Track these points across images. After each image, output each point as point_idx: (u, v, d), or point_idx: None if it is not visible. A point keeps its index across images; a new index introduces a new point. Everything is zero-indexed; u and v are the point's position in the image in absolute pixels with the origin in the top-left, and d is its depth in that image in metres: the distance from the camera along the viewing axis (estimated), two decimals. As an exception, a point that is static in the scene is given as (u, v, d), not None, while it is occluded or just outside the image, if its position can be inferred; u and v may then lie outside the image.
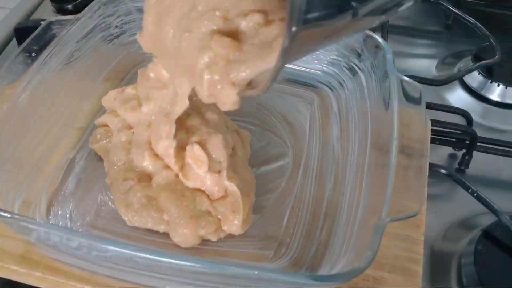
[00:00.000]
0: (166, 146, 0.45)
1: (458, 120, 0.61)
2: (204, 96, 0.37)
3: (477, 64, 0.67)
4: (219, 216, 0.44)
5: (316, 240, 0.44)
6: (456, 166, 0.59)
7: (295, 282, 0.33)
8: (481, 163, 0.58)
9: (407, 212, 0.37)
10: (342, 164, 0.49)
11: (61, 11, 0.74)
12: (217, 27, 0.35)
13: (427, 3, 0.80)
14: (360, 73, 0.52)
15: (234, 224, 0.43)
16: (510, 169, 0.58)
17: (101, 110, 0.54)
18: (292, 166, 0.51)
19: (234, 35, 0.35)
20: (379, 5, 0.31)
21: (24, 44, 0.48)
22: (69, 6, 0.73)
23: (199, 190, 0.45)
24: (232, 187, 0.44)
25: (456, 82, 0.69)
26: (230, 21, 0.35)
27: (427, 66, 0.74)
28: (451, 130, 0.59)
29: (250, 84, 0.36)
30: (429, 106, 0.60)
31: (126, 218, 0.44)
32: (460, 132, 0.59)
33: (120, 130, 0.49)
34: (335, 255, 0.40)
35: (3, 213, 0.36)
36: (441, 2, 0.76)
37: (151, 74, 0.47)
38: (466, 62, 0.72)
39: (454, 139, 0.60)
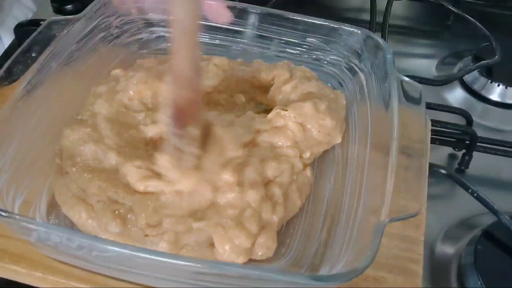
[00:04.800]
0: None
1: (458, 120, 0.61)
2: None
3: (477, 64, 0.67)
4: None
5: (316, 240, 0.44)
6: (456, 166, 0.59)
7: (295, 282, 0.33)
8: (481, 163, 0.58)
9: (407, 212, 0.37)
10: (342, 164, 0.49)
11: (61, 11, 0.74)
12: None
13: (427, 3, 0.80)
14: (360, 73, 0.52)
15: (267, 255, 0.42)
16: (510, 169, 0.58)
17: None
18: (292, 166, 0.51)
19: None
20: None
21: (24, 44, 0.48)
22: (69, 6, 0.73)
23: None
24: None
25: (456, 82, 0.69)
26: None
27: (427, 66, 0.74)
28: (451, 130, 0.59)
29: None
30: (429, 106, 0.60)
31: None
32: (460, 132, 0.59)
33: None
34: (335, 255, 0.40)
35: (3, 213, 0.36)
36: (441, 2, 0.77)
37: None
38: (466, 62, 0.72)
39: (454, 139, 0.60)
